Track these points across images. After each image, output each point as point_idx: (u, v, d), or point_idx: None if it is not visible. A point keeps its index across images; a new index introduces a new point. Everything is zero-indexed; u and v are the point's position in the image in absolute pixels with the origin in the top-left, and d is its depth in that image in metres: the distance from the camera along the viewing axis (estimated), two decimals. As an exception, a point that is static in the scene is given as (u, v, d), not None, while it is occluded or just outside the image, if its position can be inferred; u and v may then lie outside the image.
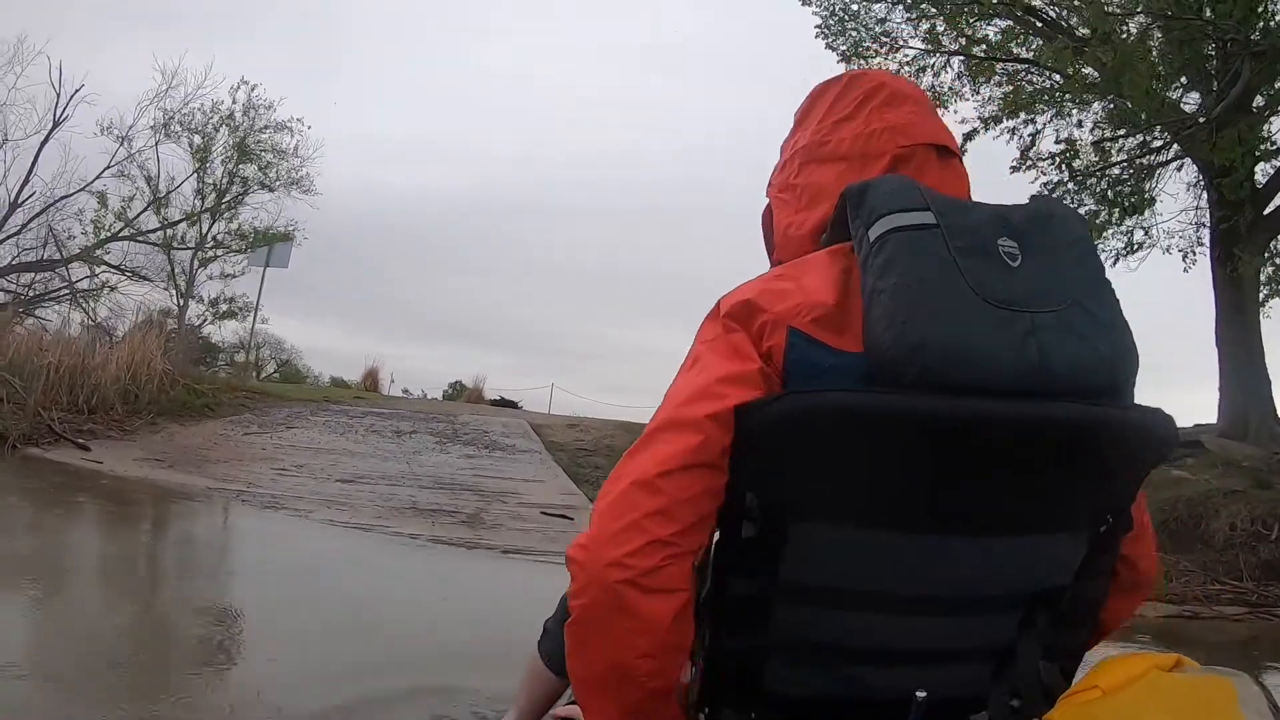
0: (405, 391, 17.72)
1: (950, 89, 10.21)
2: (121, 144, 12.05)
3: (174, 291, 13.49)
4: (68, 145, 11.50)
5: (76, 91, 10.57)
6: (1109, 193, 9.92)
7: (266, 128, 13.80)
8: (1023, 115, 10.09)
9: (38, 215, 11.41)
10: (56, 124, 10.61)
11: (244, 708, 2.14)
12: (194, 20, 26.24)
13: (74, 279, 12.21)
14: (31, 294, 11.90)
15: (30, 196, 10.79)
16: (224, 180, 13.52)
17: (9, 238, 10.89)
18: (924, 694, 0.92)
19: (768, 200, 1.16)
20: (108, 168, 12.11)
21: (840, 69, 9.35)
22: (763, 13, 31.81)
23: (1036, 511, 0.93)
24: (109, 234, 12.42)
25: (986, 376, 0.84)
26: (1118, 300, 0.94)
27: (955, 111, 10.01)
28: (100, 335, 10.25)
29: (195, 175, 13.10)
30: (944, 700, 0.94)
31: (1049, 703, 0.92)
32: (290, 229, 13.73)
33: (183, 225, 13.03)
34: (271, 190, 13.88)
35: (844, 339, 0.88)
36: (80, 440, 6.54)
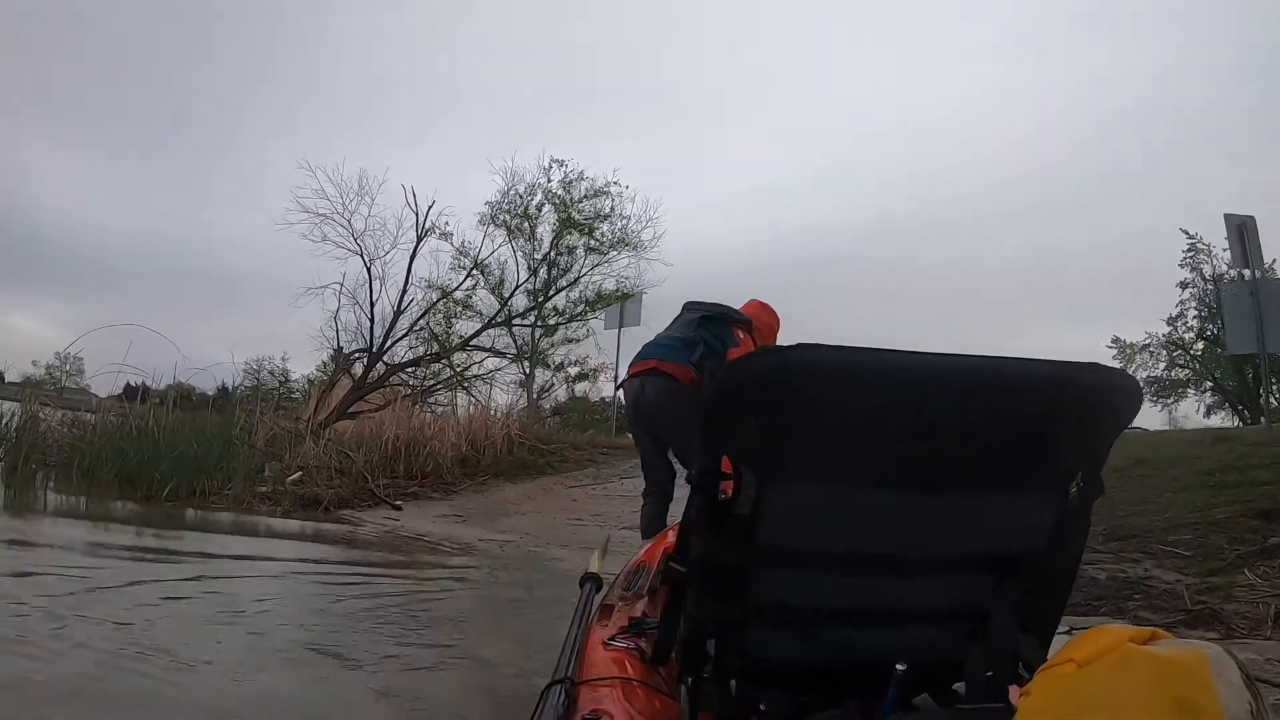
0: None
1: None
2: (468, 251, 13.80)
3: (521, 365, 14.93)
4: (435, 254, 13.40)
5: (430, 207, 12.16)
6: None
7: (585, 197, 14.75)
8: None
9: (420, 318, 13.29)
10: (420, 239, 12.31)
11: None
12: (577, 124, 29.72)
13: (456, 367, 13.95)
14: (424, 385, 13.85)
15: (410, 303, 12.60)
16: (552, 254, 14.74)
17: (400, 339, 12.81)
18: (903, 666, 1.01)
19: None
20: (467, 276, 13.97)
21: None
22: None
23: (1002, 468, 1.01)
24: (482, 324, 14.07)
25: None
26: None
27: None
28: (445, 411, 11.43)
29: (527, 257, 14.50)
30: (922, 667, 1.04)
31: (1027, 674, 0.97)
32: (638, 289, 14.45)
33: (524, 302, 14.41)
34: (603, 254, 14.72)
35: None
36: (397, 502, 6.94)
